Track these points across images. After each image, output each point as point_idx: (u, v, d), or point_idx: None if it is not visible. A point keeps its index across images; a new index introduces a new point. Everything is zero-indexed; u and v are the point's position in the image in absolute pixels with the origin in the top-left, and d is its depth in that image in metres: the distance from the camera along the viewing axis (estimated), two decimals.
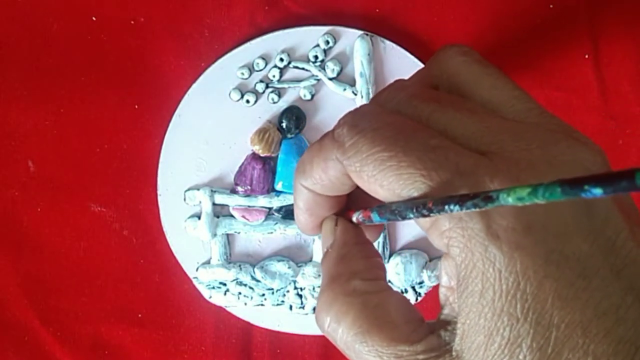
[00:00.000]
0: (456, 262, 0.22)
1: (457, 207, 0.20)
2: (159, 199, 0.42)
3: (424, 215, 0.21)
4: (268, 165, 0.41)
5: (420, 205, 0.21)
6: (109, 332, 0.44)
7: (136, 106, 0.42)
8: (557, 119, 0.24)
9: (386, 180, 0.22)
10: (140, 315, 0.44)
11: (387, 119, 0.23)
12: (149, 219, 0.43)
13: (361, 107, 0.25)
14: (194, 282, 0.43)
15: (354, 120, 0.24)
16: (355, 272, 0.25)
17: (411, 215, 0.22)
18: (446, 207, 0.20)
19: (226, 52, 0.41)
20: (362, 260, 0.25)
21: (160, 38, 0.42)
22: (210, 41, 0.42)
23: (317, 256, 0.43)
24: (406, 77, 0.40)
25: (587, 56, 0.42)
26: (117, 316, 0.43)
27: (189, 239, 0.42)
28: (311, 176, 0.26)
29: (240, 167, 0.42)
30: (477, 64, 0.25)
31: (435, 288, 0.43)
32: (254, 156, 0.41)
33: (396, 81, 0.27)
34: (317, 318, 0.25)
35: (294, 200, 0.28)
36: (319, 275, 0.42)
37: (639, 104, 0.42)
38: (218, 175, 0.42)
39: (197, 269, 0.43)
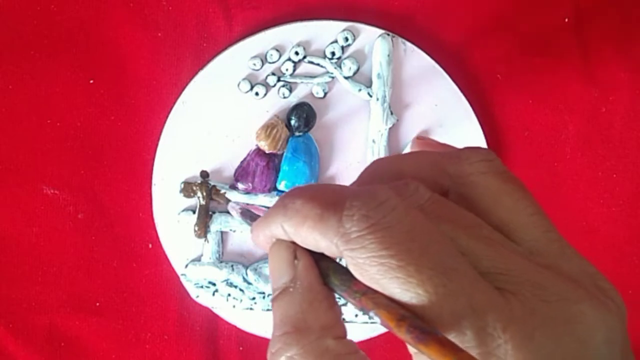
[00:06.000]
0: None
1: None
2: (153, 188, 0.40)
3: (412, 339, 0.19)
4: (272, 162, 0.39)
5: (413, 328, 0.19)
6: (65, 323, 0.41)
7: (91, 81, 0.40)
8: (580, 258, 0.23)
9: (389, 289, 0.20)
10: (98, 304, 0.41)
11: (405, 218, 0.21)
12: (106, 201, 0.40)
13: (379, 191, 0.22)
14: (182, 279, 0.40)
15: (367, 209, 0.21)
16: (326, 327, 0.22)
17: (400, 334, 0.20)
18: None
19: (237, 40, 0.39)
20: (331, 311, 0.23)
21: (116, 7, 0.39)
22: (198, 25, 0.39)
23: None
24: (425, 82, 0.39)
25: (567, 20, 0.40)
26: (73, 305, 0.41)
27: (181, 232, 0.40)
28: (295, 234, 0.23)
29: (243, 162, 0.39)
30: (497, 179, 0.24)
31: None
32: (259, 152, 0.39)
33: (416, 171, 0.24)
34: None
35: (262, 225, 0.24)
36: None
37: (622, 69, 0.40)
38: (218, 168, 0.40)
39: (186, 266, 0.40)
